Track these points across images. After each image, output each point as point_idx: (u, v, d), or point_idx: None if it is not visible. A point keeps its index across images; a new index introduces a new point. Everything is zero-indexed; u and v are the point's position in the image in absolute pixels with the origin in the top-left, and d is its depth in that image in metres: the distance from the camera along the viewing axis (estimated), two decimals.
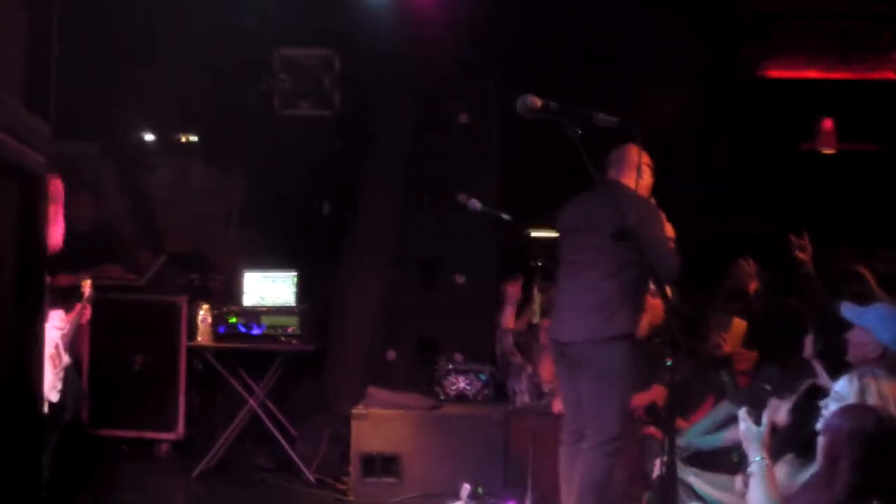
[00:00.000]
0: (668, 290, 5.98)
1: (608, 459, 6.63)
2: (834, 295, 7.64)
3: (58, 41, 3.78)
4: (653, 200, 6.85)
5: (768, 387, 5.28)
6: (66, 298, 8.28)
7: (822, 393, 5.26)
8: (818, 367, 6.08)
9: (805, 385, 6.01)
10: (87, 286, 7.99)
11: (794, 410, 5.58)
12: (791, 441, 5.40)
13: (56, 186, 7.24)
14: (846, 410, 4.25)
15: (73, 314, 7.74)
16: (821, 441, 4.21)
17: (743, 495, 5.63)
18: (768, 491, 4.57)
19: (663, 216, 6.78)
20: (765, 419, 4.66)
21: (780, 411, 6.03)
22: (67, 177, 7.48)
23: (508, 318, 8.65)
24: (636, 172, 6.73)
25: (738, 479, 6.00)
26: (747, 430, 4.67)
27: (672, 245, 6.68)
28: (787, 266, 8.00)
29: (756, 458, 4.63)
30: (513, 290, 8.55)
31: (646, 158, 6.82)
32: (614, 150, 6.86)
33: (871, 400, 4.46)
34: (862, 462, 3.98)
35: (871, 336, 5.53)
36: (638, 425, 7.31)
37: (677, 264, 6.59)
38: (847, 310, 5.79)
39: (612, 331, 6.58)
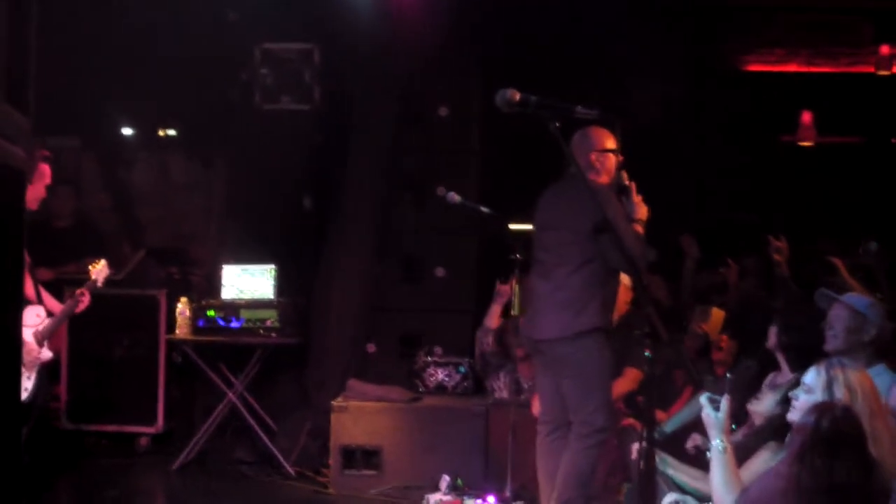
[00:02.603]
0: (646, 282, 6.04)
1: (592, 451, 6.66)
2: (809, 291, 7.71)
3: (38, 35, 3.78)
4: (625, 176, 6.81)
5: (729, 375, 5.31)
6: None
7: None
8: (781, 360, 6.11)
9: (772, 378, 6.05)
10: (97, 271, 7.83)
11: (783, 402, 5.61)
12: (773, 430, 5.43)
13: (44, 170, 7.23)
14: (813, 407, 4.29)
15: (70, 301, 7.68)
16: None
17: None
18: (726, 474, 4.67)
19: (637, 196, 6.75)
20: (724, 405, 4.73)
21: (761, 403, 6.07)
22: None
23: (493, 318, 8.62)
24: (596, 160, 6.74)
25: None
26: (707, 416, 4.75)
27: (641, 228, 6.66)
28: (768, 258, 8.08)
29: (715, 441, 4.73)
30: (504, 290, 8.49)
31: (608, 143, 6.79)
32: (575, 135, 6.75)
33: (839, 391, 4.49)
34: (797, 458, 4.03)
35: (864, 320, 5.61)
36: (617, 416, 7.33)
37: (645, 250, 6.60)
38: (851, 298, 5.86)
39: (584, 325, 6.60)
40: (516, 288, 7.73)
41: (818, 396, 4.54)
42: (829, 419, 4.10)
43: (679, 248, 9.44)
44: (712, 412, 4.75)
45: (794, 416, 4.64)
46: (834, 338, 5.77)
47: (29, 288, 7.46)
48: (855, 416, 4.23)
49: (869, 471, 4.10)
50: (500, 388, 8.55)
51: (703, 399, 4.79)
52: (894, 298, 7.36)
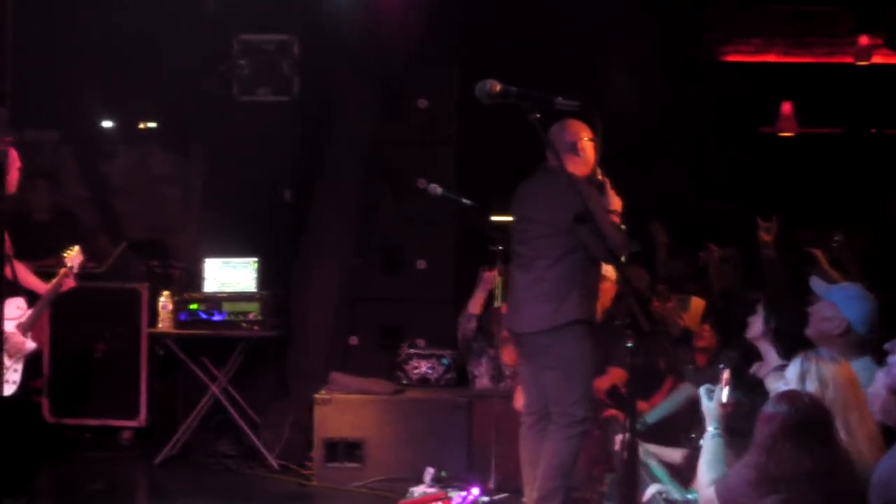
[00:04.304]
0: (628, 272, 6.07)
1: (573, 442, 6.70)
2: (795, 278, 7.73)
3: (15, 29, 3.77)
4: (599, 172, 6.85)
5: (721, 366, 5.31)
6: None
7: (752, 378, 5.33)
8: (767, 350, 6.10)
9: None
10: (72, 258, 7.78)
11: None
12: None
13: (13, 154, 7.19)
14: (775, 397, 4.32)
15: (54, 281, 7.63)
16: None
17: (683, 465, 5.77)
18: (712, 458, 4.74)
19: (611, 189, 6.80)
20: (716, 394, 4.77)
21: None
22: (27, 164, 7.45)
23: (476, 304, 8.65)
24: (574, 151, 6.75)
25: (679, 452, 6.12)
26: (705, 406, 4.81)
27: (618, 219, 6.70)
28: (750, 248, 8.10)
29: (710, 428, 4.81)
30: (489, 277, 8.52)
31: (586, 133, 6.81)
32: (552, 127, 6.75)
33: (811, 384, 4.51)
34: (773, 447, 4.05)
35: (837, 312, 5.56)
36: (599, 408, 7.35)
37: (624, 240, 6.64)
38: (816, 284, 5.84)
39: (564, 318, 6.64)
40: (499, 279, 7.76)
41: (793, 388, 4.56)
42: (794, 408, 4.12)
43: (650, 236, 9.48)
44: (707, 401, 4.80)
45: None
46: (810, 325, 5.77)
47: (23, 275, 7.48)
48: (820, 406, 4.26)
49: (837, 460, 4.13)
50: (482, 373, 8.59)
51: (702, 390, 4.84)
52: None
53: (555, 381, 6.72)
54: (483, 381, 8.58)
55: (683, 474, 6.15)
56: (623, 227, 6.69)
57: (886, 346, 4.57)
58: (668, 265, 9.56)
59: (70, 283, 7.70)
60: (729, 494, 4.45)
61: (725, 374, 4.89)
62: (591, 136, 6.79)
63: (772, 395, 4.75)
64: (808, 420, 4.10)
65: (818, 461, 4.05)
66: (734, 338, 7.09)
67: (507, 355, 8.12)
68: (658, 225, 9.58)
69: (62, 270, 7.67)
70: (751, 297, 7.32)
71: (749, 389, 5.37)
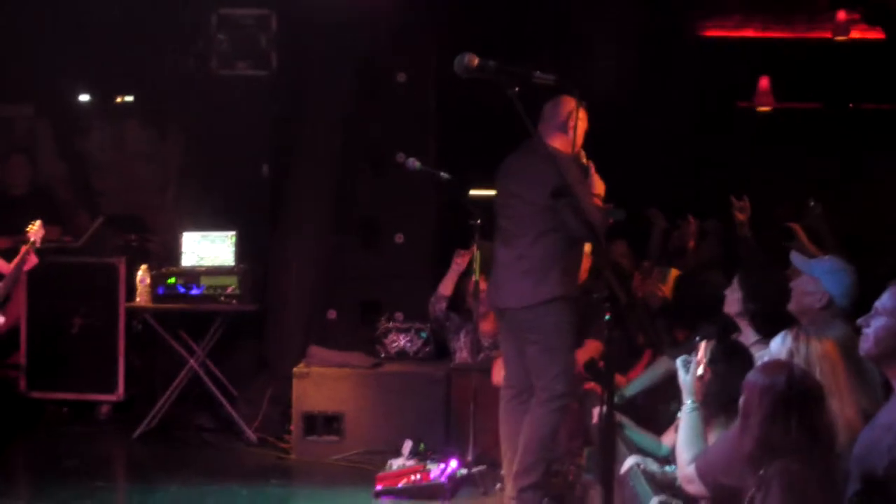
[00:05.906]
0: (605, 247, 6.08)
1: (554, 416, 6.75)
2: (769, 254, 7.76)
3: None
4: (583, 155, 6.87)
5: (698, 338, 5.30)
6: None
7: (742, 350, 5.30)
8: (745, 326, 6.11)
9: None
10: (34, 232, 7.74)
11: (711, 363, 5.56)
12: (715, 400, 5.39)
13: None
14: (763, 367, 4.30)
15: (17, 259, 7.60)
16: (741, 397, 4.26)
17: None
18: (689, 433, 4.73)
19: (594, 171, 6.83)
20: (692, 367, 4.78)
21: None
22: (3, 139, 7.41)
23: (447, 285, 8.69)
24: (564, 130, 6.77)
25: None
26: (681, 379, 4.82)
27: (600, 202, 6.72)
28: (729, 223, 8.13)
29: (686, 401, 4.81)
30: (461, 262, 8.57)
31: (580, 112, 6.81)
32: (547, 103, 6.83)
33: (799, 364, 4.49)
34: (769, 419, 4.03)
35: (819, 286, 5.59)
36: (579, 381, 7.36)
37: (604, 218, 6.69)
38: (797, 258, 5.86)
39: (545, 294, 6.68)
40: (476, 253, 7.78)
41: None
42: (789, 379, 4.10)
43: (646, 218, 9.50)
44: (683, 374, 4.81)
45: None
46: (791, 300, 5.78)
47: None
48: (813, 376, 4.25)
49: (829, 432, 4.12)
50: (461, 347, 8.62)
51: (679, 362, 4.84)
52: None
53: (536, 355, 6.76)
54: (463, 354, 8.61)
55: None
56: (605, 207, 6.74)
57: (860, 321, 4.57)
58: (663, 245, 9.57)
59: (33, 259, 7.67)
60: (710, 471, 4.46)
61: (702, 347, 4.89)
62: (581, 113, 6.79)
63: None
64: (804, 391, 4.08)
65: (812, 433, 4.02)
66: (712, 310, 7.10)
67: (487, 325, 8.16)
68: (656, 211, 9.60)
69: (24, 247, 7.64)
70: (728, 269, 7.32)
71: (730, 356, 5.33)
